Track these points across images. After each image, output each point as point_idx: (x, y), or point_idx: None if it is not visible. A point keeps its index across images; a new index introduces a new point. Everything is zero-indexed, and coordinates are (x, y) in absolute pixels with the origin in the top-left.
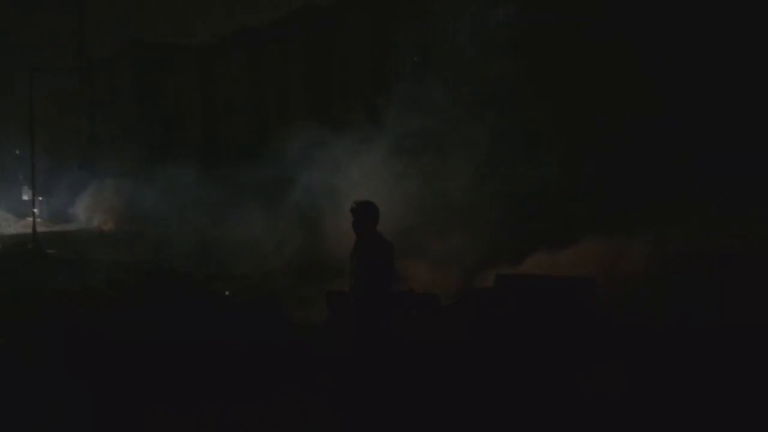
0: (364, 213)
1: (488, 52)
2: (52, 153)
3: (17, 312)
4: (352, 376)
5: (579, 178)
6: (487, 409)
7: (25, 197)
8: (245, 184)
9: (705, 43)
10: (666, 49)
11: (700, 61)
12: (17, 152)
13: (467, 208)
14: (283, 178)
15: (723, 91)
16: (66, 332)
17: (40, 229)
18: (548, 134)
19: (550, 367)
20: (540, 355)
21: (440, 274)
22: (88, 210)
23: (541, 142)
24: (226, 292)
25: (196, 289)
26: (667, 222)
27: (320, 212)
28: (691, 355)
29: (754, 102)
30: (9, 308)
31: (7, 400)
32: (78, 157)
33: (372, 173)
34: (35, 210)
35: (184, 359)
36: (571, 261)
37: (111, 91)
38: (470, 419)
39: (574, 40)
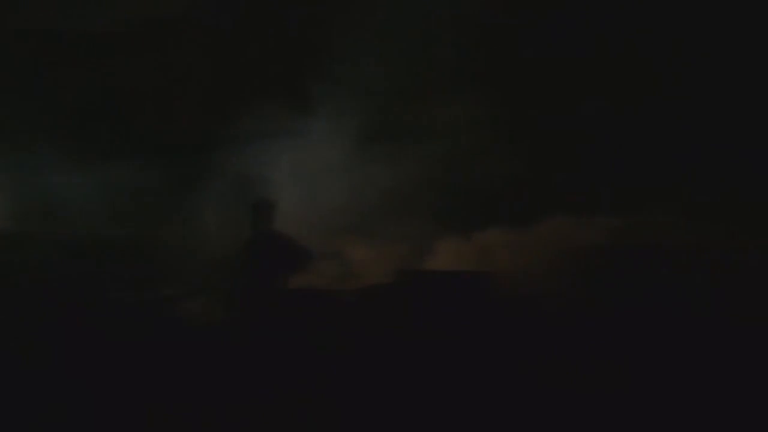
0: (265, 211)
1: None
2: None
3: None
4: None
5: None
6: (385, 411)
7: None
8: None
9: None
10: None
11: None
12: None
13: (417, 196)
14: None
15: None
16: None
17: None
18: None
19: (448, 364)
20: (438, 352)
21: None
22: None
23: (501, 131)
24: None
25: None
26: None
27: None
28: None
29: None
30: None
31: None
32: None
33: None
34: None
35: None
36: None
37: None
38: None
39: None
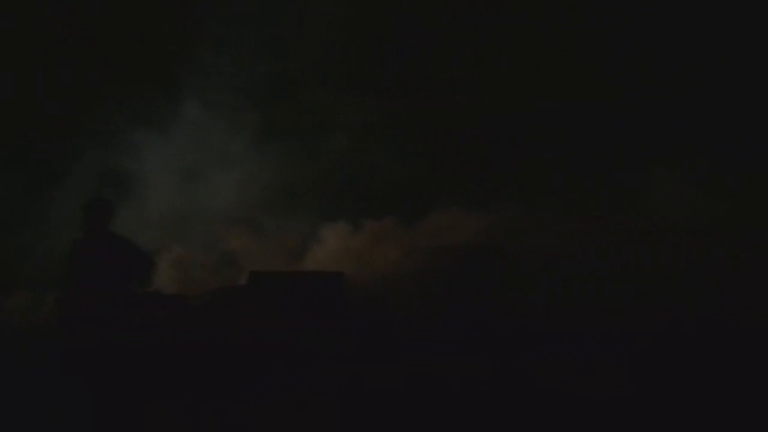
0: (100, 211)
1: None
2: None
3: None
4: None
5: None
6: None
7: None
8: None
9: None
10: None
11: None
12: None
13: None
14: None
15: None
16: None
17: None
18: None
19: (301, 365)
20: (291, 353)
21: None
22: None
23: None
24: None
25: None
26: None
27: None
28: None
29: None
30: None
31: None
32: None
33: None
34: None
35: None
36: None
37: None
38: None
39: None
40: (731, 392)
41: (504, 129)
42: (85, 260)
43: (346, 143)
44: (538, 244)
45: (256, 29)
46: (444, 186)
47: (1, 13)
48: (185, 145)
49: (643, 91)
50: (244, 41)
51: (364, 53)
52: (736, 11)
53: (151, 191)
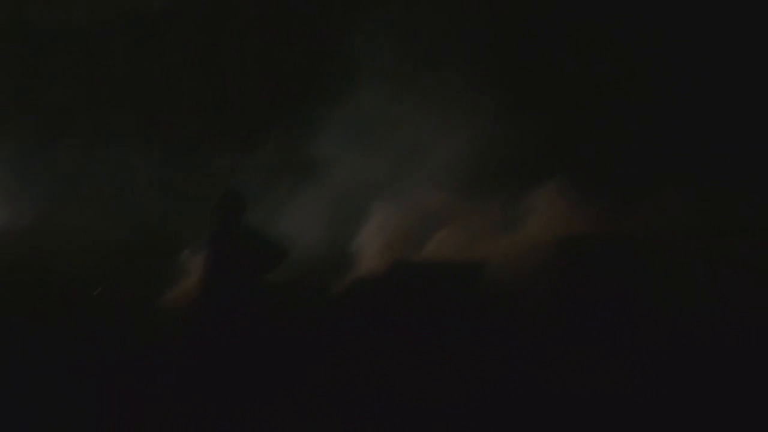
0: (233, 204)
1: None
2: None
3: None
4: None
5: None
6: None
7: None
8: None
9: None
10: None
11: None
12: None
13: None
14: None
15: None
16: None
17: None
18: None
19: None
20: (428, 347)
21: None
22: None
23: None
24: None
25: None
26: None
27: None
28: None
29: None
30: None
31: None
32: None
33: None
34: None
35: None
36: None
37: None
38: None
39: None
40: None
41: None
42: (219, 252)
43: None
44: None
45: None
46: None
47: None
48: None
49: None
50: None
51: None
52: None
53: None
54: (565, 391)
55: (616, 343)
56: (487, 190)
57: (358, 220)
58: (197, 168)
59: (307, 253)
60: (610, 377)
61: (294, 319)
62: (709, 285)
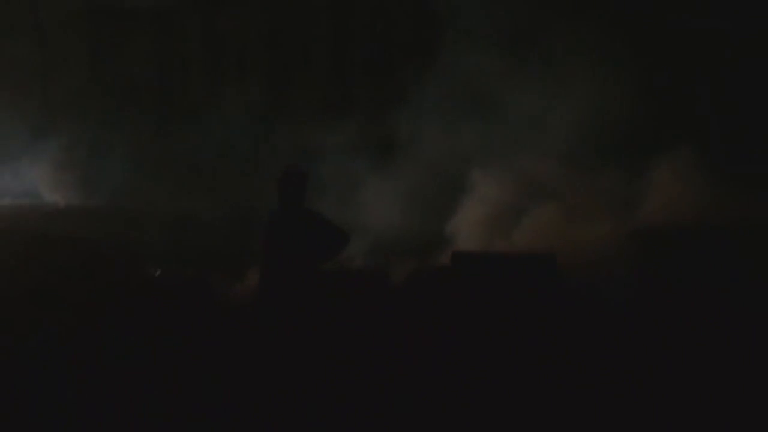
0: (295, 182)
1: None
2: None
3: None
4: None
5: None
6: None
7: None
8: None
9: None
10: None
11: None
12: None
13: None
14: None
15: None
16: None
17: None
18: None
19: (509, 353)
20: (498, 339)
21: None
22: (47, 182)
23: None
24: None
25: None
26: None
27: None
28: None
29: None
30: None
31: None
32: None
33: None
34: None
35: None
36: None
37: (64, 54)
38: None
39: None
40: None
41: None
42: (280, 234)
43: None
44: None
45: None
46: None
47: None
48: None
49: None
50: None
51: None
52: None
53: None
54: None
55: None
56: (599, 165)
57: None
58: (280, 143)
59: (399, 233)
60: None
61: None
62: None
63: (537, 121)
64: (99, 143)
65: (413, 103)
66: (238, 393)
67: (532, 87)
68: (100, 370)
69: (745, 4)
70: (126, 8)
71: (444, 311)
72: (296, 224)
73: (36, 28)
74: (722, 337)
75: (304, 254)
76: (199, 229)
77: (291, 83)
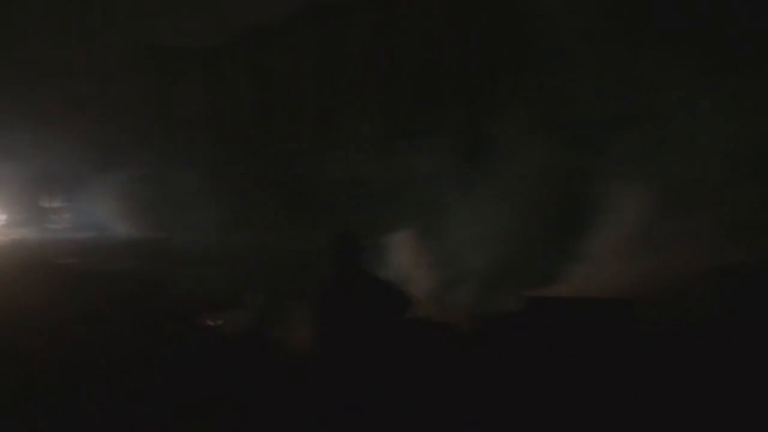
0: (351, 247)
1: None
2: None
3: None
4: None
5: None
6: None
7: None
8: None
9: None
10: None
11: None
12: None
13: None
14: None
15: None
16: None
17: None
18: None
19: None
20: (573, 390)
21: None
22: (116, 216)
23: None
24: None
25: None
26: None
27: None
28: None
29: None
30: None
31: None
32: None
33: None
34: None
35: None
36: None
37: (121, 94)
38: None
39: None
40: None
41: None
42: (338, 301)
43: None
44: None
45: None
46: None
47: None
48: None
49: None
50: None
51: None
52: None
53: None
54: None
55: None
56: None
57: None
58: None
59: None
60: None
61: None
62: None
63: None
64: (162, 178)
65: None
66: None
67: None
68: None
69: None
70: (180, 47)
71: (512, 361)
72: (354, 288)
73: (96, 68)
74: None
75: (364, 319)
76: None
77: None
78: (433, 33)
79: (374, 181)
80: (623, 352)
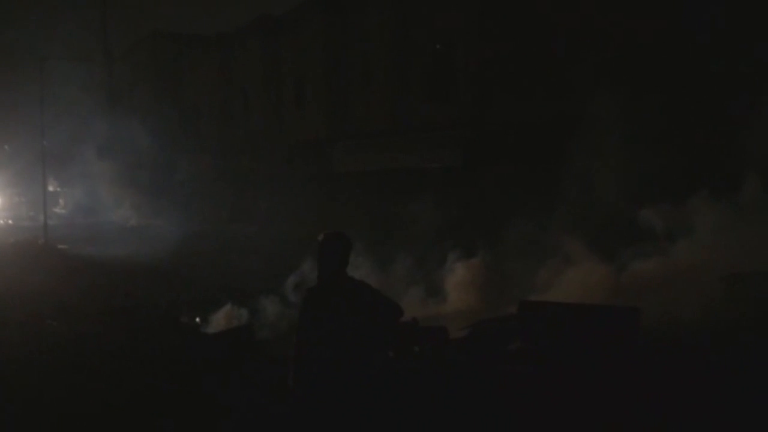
0: (335, 249)
1: None
2: (70, 143)
3: None
4: None
5: None
6: None
7: (50, 188)
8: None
9: None
10: None
11: None
12: (45, 143)
13: None
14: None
15: None
16: None
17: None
18: None
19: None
20: (571, 399)
21: None
22: (116, 203)
23: None
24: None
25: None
26: None
27: None
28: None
29: None
30: None
31: None
32: (95, 146)
33: None
34: (59, 203)
35: None
36: None
37: (130, 82)
38: None
39: None
40: None
41: None
42: (323, 308)
43: None
44: None
45: None
46: None
47: None
48: None
49: None
50: None
51: None
52: None
53: None
54: None
55: None
56: None
57: None
58: None
59: None
60: None
61: None
62: None
63: None
64: (157, 170)
65: None
66: None
67: None
68: None
69: None
70: (191, 36)
71: (509, 364)
72: (342, 296)
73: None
74: None
75: (353, 330)
76: None
77: None
78: None
79: None
80: (629, 357)
